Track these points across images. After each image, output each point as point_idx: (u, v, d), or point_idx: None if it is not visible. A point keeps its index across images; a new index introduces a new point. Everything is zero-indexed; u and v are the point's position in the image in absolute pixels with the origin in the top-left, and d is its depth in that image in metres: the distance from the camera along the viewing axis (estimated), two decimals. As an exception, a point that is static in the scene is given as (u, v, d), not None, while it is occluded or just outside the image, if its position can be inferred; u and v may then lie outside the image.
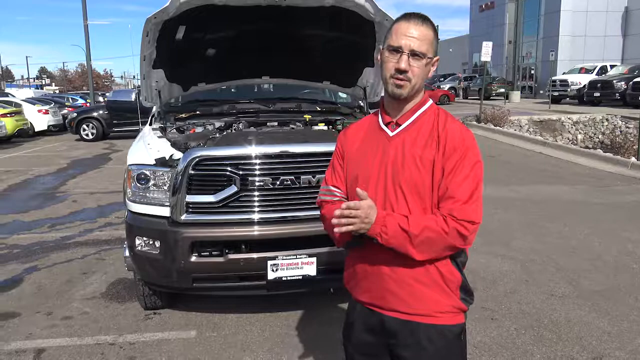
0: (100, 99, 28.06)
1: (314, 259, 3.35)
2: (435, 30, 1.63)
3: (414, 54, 1.57)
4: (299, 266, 3.35)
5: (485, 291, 4.31)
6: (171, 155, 3.48)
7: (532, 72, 35.26)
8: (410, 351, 1.65)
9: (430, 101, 1.72)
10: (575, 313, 3.88)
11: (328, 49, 4.55)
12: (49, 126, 19.87)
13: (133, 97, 4.85)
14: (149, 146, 3.70)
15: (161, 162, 3.45)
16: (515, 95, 28.41)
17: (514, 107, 21.22)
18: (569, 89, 24.60)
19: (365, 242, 1.62)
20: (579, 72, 25.80)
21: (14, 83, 65.74)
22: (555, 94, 24.14)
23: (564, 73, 27.50)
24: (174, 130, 4.14)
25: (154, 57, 4.01)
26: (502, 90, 29.44)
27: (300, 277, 3.36)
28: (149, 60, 3.99)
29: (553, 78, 24.67)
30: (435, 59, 1.64)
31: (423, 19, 1.62)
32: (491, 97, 29.56)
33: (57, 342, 3.59)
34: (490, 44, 17.62)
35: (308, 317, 3.91)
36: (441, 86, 35.10)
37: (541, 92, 31.20)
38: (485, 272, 4.72)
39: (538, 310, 3.92)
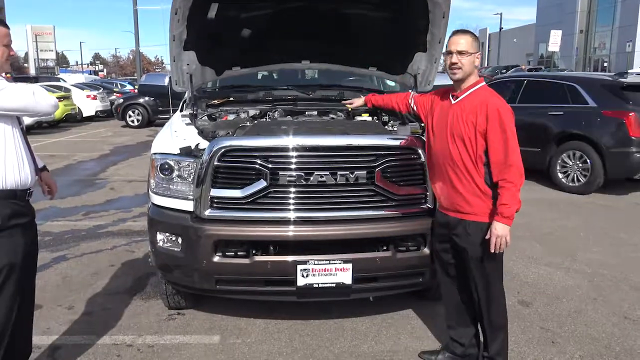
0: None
1: (349, 265, 3.03)
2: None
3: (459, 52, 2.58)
4: (332, 272, 3.04)
5: (545, 308, 3.82)
6: (197, 145, 3.22)
7: (605, 64, 33.21)
8: (460, 238, 2.71)
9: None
10: (654, 340, 3.35)
11: (375, 31, 4.17)
12: (96, 112, 20.31)
13: (166, 81, 4.63)
14: (175, 134, 3.48)
15: (186, 152, 3.20)
16: (586, 89, 26.80)
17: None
18: (648, 84, 22.94)
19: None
20: (660, 65, 24.09)
21: (69, 68, 68.09)
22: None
23: (643, 66, 25.79)
24: (205, 117, 3.89)
25: (184, 37, 3.74)
26: (571, 83, 27.97)
27: (334, 285, 3.05)
28: (179, 40, 3.73)
29: (629, 71, 23.10)
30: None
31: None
32: (559, 91, 28.08)
33: (74, 340, 3.40)
34: (559, 32, 16.63)
35: (342, 327, 3.55)
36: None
37: (615, 86, 29.34)
38: (546, 286, 4.22)
39: (608, 335, 3.43)
